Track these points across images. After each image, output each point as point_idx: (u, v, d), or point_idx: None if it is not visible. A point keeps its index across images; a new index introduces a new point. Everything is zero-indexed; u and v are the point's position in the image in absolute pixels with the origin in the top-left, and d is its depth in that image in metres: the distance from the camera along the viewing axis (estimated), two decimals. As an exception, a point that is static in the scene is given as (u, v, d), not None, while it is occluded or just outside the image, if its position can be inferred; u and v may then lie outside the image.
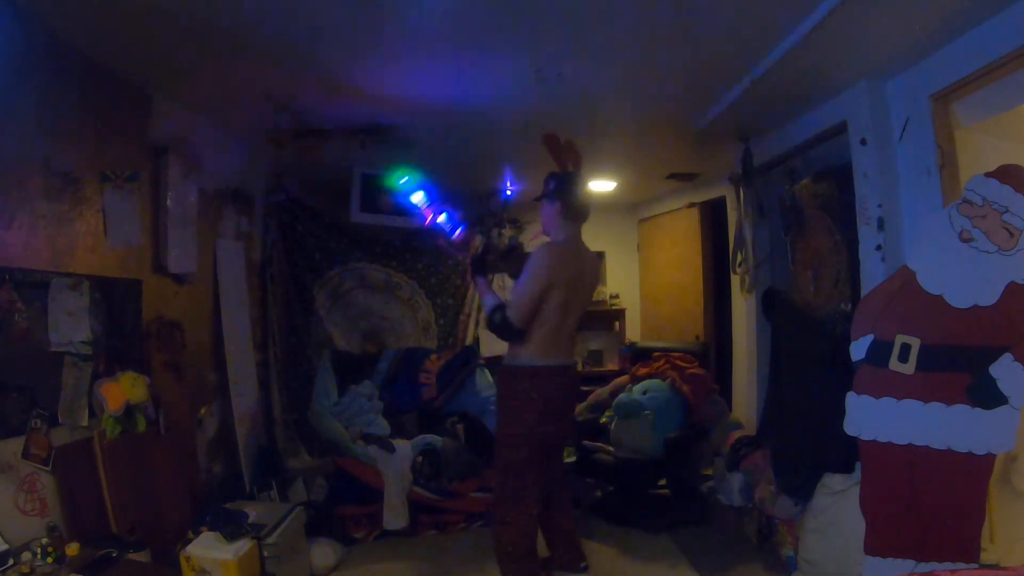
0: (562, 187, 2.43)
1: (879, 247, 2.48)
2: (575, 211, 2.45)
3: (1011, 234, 1.87)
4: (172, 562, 2.16)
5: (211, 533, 2.22)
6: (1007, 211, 1.87)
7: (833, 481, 2.40)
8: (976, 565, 1.90)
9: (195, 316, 2.97)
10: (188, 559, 2.11)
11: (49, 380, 2.03)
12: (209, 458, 3.01)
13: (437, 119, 3.08)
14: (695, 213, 4.75)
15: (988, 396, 1.88)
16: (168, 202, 2.64)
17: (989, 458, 1.89)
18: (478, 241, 4.61)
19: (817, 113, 2.88)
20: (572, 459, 3.70)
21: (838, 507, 2.34)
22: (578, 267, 2.44)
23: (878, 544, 2.04)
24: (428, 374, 3.90)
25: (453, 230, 2.34)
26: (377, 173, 3.79)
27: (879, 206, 2.48)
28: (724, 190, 4.12)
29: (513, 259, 2.64)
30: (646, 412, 3.44)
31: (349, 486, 3.24)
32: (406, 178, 2.57)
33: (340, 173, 3.87)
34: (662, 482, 3.63)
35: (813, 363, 2.75)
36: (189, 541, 2.20)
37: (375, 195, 3.94)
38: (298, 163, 3.73)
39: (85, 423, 2.12)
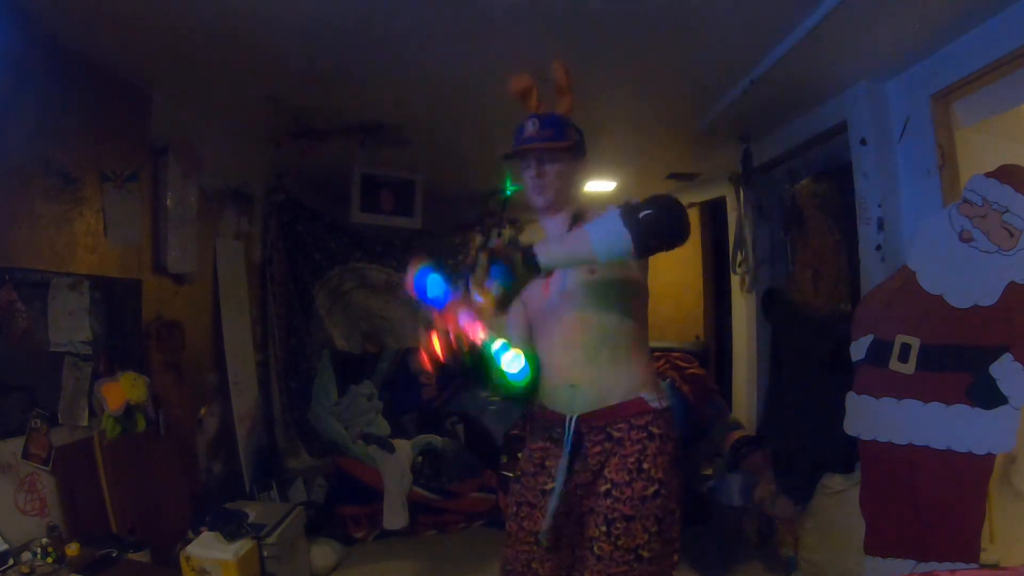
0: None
1: (879, 247, 2.48)
2: None
3: (1011, 234, 1.87)
4: (172, 562, 2.16)
5: (211, 533, 2.21)
6: (1007, 211, 1.87)
7: (833, 481, 2.40)
8: (976, 565, 1.90)
9: (195, 316, 2.97)
10: (188, 559, 2.11)
11: (49, 380, 2.02)
12: (209, 458, 3.01)
13: (437, 118, 3.08)
14: (695, 213, 4.74)
15: (988, 396, 1.88)
16: (168, 202, 2.63)
17: (989, 458, 1.89)
18: (478, 240, 4.61)
19: (817, 113, 2.88)
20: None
21: (838, 507, 2.33)
22: None
23: (878, 544, 2.04)
24: (428, 374, 3.89)
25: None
26: (377, 173, 3.79)
27: (879, 206, 2.47)
28: (724, 190, 4.11)
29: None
30: (646, 412, 3.43)
31: (349, 486, 3.24)
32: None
33: (340, 173, 3.87)
34: (662, 482, 3.62)
35: (813, 363, 2.75)
36: (189, 541, 2.20)
37: (375, 195, 3.94)
38: (298, 163, 3.73)
39: (85, 423, 2.12)
